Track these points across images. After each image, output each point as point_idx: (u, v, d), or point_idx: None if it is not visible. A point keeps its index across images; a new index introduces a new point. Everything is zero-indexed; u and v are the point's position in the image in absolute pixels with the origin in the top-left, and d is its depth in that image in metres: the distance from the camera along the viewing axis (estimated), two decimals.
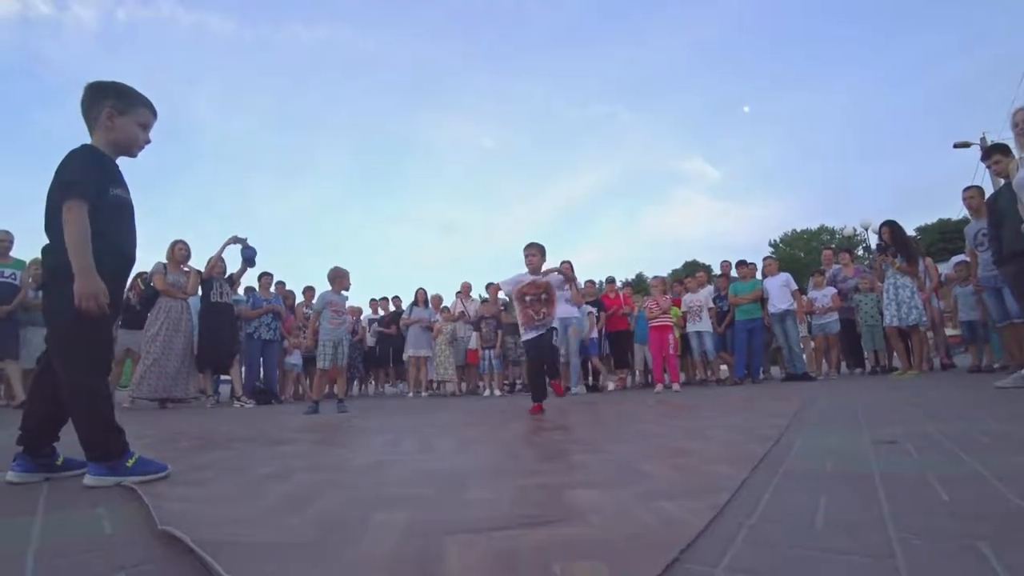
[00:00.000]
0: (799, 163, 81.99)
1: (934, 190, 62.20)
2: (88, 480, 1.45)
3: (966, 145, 13.43)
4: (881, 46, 73.55)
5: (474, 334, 7.89)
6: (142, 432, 2.82)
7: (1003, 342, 4.35)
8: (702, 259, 43.50)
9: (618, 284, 8.61)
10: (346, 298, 4.84)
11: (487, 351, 7.27)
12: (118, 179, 1.59)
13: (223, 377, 6.52)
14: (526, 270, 3.65)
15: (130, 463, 1.48)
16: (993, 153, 3.73)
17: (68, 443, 1.60)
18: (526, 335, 3.62)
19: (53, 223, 1.49)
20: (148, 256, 5.62)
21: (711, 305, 6.91)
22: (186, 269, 5.60)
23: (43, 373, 1.56)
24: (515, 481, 1.40)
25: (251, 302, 6.36)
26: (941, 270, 5.63)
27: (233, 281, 5.97)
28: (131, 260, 1.67)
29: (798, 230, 35.65)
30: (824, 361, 6.39)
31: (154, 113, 1.67)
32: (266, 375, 6.42)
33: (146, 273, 5.70)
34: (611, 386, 6.93)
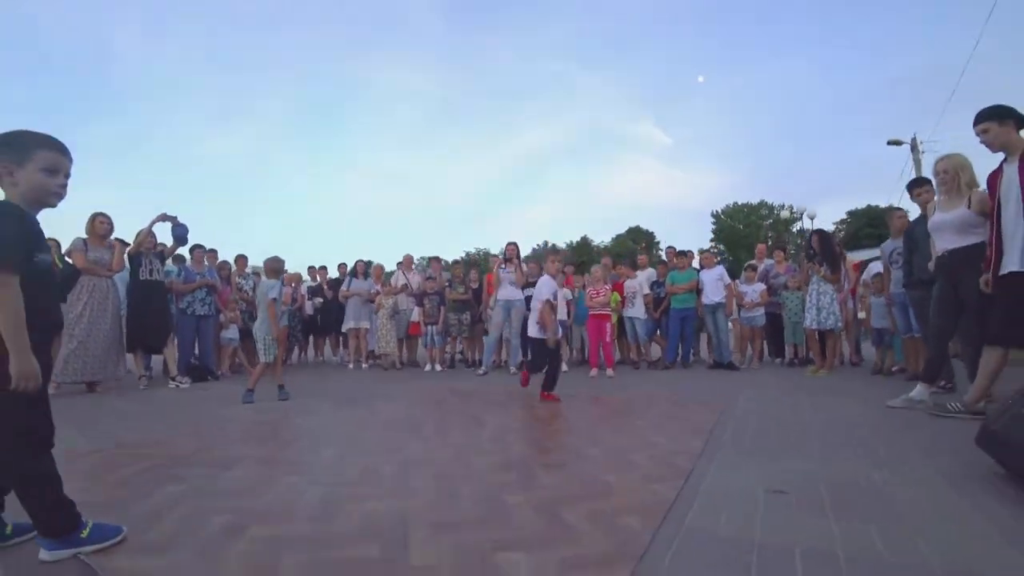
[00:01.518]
0: (746, 138, 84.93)
1: (866, 177, 67.07)
2: (44, 555, 1.43)
3: (898, 143, 14.40)
4: (840, 28, 75.94)
5: (416, 307, 7.82)
6: (76, 449, 2.63)
7: (904, 349, 4.85)
8: (646, 225, 44.95)
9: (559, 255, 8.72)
10: (283, 286, 4.66)
11: (429, 327, 7.27)
12: (42, 241, 1.48)
13: None
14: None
15: (84, 533, 1.46)
16: (921, 184, 4.07)
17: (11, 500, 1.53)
18: (537, 332, 4.22)
19: None
20: (67, 228, 5.12)
21: (646, 291, 7.17)
22: (109, 243, 5.18)
23: None
24: (440, 536, 1.48)
25: (183, 276, 5.97)
26: (866, 274, 6.13)
27: (164, 257, 5.65)
28: (59, 324, 1.62)
29: (740, 203, 37.46)
30: (749, 348, 6.88)
31: (61, 151, 1.49)
32: (201, 351, 6.16)
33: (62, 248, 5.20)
34: (564, 367, 7.06)
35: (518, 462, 2.31)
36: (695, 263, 7.24)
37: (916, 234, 3.98)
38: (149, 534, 1.57)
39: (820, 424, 2.97)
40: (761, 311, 6.65)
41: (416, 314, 7.80)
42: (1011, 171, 2.62)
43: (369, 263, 8.17)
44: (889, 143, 14.38)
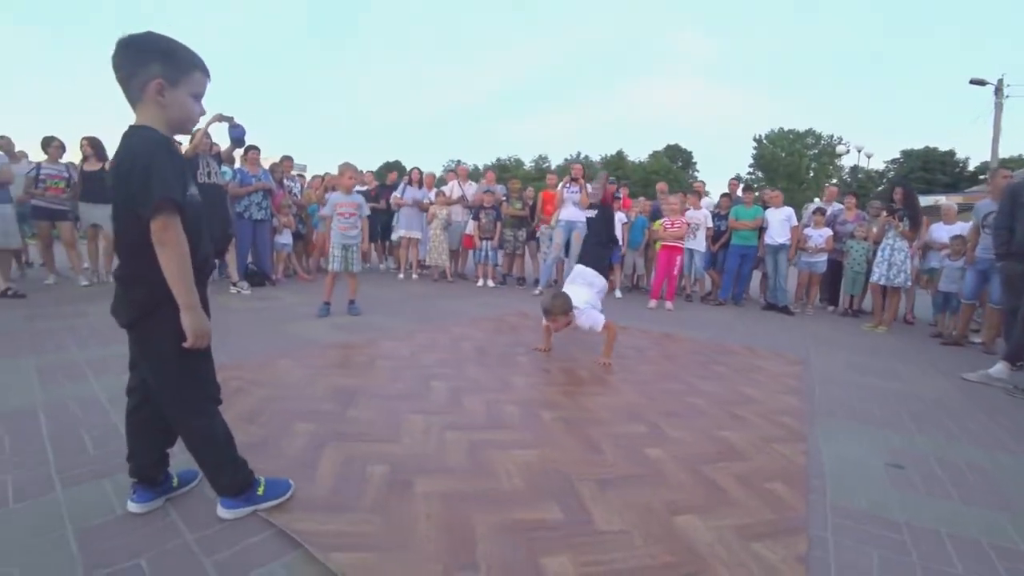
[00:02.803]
0: (799, 58, 77.27)
1: (928, 118, 61.82)
2: (223, 513, 1.46)
3: (982, 83, 13.19)
4: None
5: (471, 220, 7.93)
6: None
7: (987, 318, 4.91)
8: (685, 144, 43.03)
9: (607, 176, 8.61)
10: (357, 198, 4.69)
11: (485, 241, 7.43)
12: (189, 175, 1.40)
13: None
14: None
15: (260, 490, 1.50)
16: None
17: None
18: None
19: (130, 238, 1.29)
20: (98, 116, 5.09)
21: (709, 224, 7.18)
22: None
23: (137, 410, 1.46)
24: (609, 494, 1.77)
25: (239, 178, 5.96)
26: (934, 234, 6.04)
27: (222, 158, 5.58)
28: (211, 267, 1.58)
29: (785, 129, 35.22)
30: (805, 296, 7.05)
31: (208, 75, 1.39)
32: (258, 256, 6.35)
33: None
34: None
35: (635, 409, 2.60)
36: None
37: (1019, 202, 3.88)
38: (313, 488, 1.63)
39: (905, 394, 3.24)
40: (824, 257, 6.70)
41: (471, 227, 7.93)
42: None
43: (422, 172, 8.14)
44: (972, 82, 13.19)
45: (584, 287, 3.72)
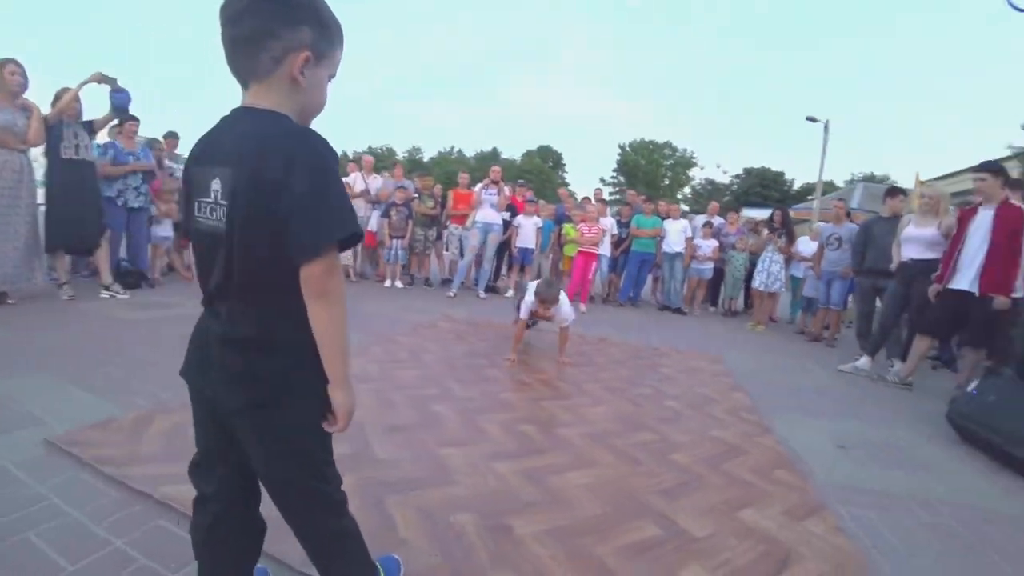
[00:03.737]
0: (670, 73, 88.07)
1: (768, 140, 75.38)
2: None
3: (815, 120, 16.49)
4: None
5: (374, 215, 7.65)
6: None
7: (820, 317, 6.27)
8: (556, 146, 46.13)
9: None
10: None
11: (395, 240, 7.24)
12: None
13: None
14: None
15: None
16: (896, 194, 5.14)
17: None
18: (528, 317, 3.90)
19: (268, 280, 0.95)
20: None
21: (614, 231, 7.91)
22: (21, 104, 4.04)
23: (218, 525, 1.09)
24: (677, 503, 2.02)
25: (112, 156, 4.94)
26: (800, 248, 7.46)
27: (94, 129, 4.56)
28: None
29: (646, 139, 39.86)
30: (692, 298, 8.12)
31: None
32: (134, 252, 5.38)
33: None
34: (509, 292, 7.60)
35: (631, 417, 2.89)
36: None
37: (874, 231, 5.10)
38: (419, 555, 1.52)
39: (812, 386, 4.04)
40: (711, 264, 7.80)
41: (374, 223, 7.66)
42: (986, 214, 3.64)
43: None
44: (808, 119, 16.40)
45: None
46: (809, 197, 20.21)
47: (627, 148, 39.98)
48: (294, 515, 1.08)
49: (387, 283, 7.30)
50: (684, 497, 2.01)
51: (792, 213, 15.53)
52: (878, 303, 5.06)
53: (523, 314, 3.82)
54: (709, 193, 36.16)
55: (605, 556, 1.59)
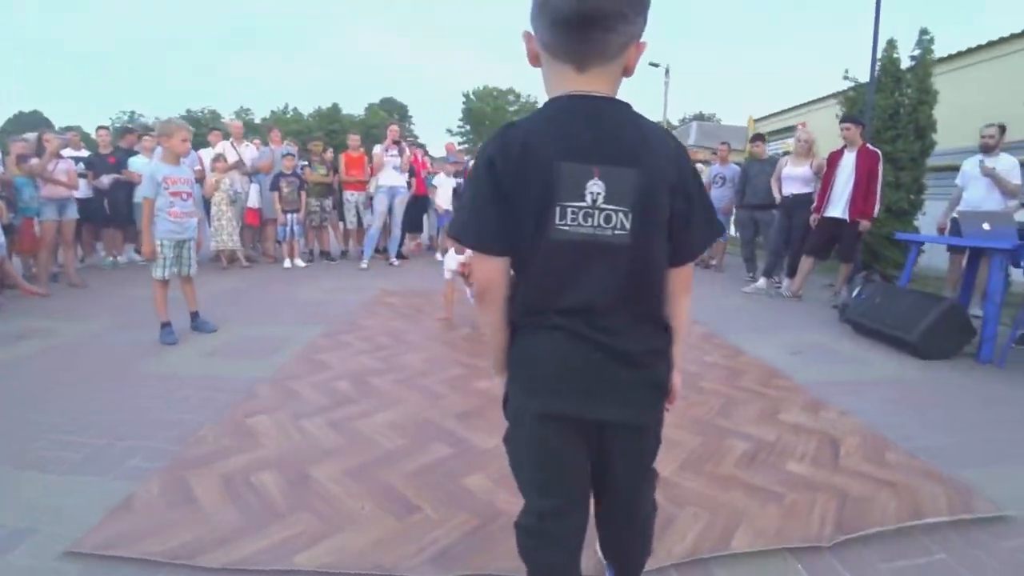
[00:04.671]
0: (509, 16, 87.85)
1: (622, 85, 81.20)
2: None
3: (656, 65, 18.11)
4: None
5: (253, 188, 6.88)
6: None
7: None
8: (400, 97, 44.16)
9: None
10: (187, 171, 3.69)
11: (289, 215, 6.63)
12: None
13: None
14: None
15: None
16: (758, 140, 6.10)
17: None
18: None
19: (660, 282, 0.95)
20: None
21: None
22: None
23: (577, 537, 1.03)
24: (719, 484, 2.46)
25: None
26: None
27: None
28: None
29: (490, 86, 40.03)
30: None
31: None
32: None
33: None
34: (440, 256, 7.49)
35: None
36: None
37: (750, 172, 6.09)
38: (194, 513, 1.58)
39: (734, 307, 4.85)
40: None
41: (254, 198, 6.89)
42: (850, 156, 4.64)
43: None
44: (650, 64, 17.95)
45: None
46: None
47: (471, 96, 39.83)
48: (638, 510, 1.10)
49: (286, 263, 6.71)
50: (736, 414, 2.46)
51: None
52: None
53: (447, 274, 3.95)
54: None
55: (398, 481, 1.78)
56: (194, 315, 3.79)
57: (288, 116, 40.88)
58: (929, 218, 6.00)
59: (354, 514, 1.59)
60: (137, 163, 6.29)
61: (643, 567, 1.20)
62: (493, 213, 0.88)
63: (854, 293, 4.17)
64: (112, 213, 6.42)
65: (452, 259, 3.87)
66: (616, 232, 0.87)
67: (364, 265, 6.68)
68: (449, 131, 41.91)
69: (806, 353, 3.46)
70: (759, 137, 6.28)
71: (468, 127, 40.38)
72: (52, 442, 2.09)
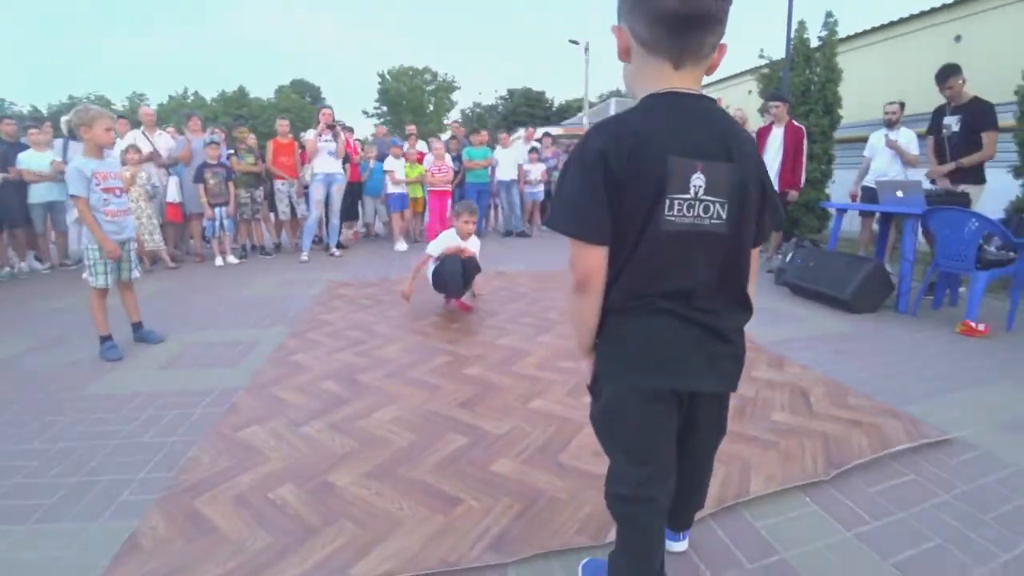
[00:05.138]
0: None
1: (527, 61, 79.68)
2: (683, 546, 1.45)
3: (576, 43, 18.26)
4: None
5: (172, 181, 6.29)
6: None
7: None
8: (312, 79, 41.63)
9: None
10: (117, 163, 3.33)
11: (217, 208, 6.14)
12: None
13: None
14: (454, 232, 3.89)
15: None
16: None
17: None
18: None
19: (749, 263, 1.07)
20: None
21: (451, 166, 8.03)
22: None
23: (660, 522, 1.15)
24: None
25: None
26: None
27: None
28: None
29: (405, 66, 38.57)
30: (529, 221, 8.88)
31: None
32: None
33: None
34: (400, 245, 7.19)
35: None
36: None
37: None
38: (221, 543, 1.45)
39: None
40: (541, 187, 8.59)
41: (174, 192, 6.31)
42: (778, 131, 4.99)
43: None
44: (570, 41, 18.08)
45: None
46: (580, 114, 22.74)
47: (387, 76, 38.18)
48: (707, 469, 1.26)
49: (218, 261, 6.23)
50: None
51: (563, 130, 17.59)
52: None
53: (435, 251, 3.82)
54: (477, 116, 37.48)
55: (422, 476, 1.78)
56: (137, 325, 3.45)
57: (189, 101, 37.27)
58: (839, 186, 6.62)
59: (394, 516, 1.57)
60: (30, 159, 5.55)
61: (694, 520, 1.41)
62: (601, 204, 0.93)
63: (787, 258, 4.55)
64: (2, 217, 5.63)
65: (442, 244, 3.82)
66: (713, 222, 0.95)
67: (304, 258, 6.36)
68: (365, 112, 40.02)
69: (756, 315, 3.74)
70: None
71: (385, 108, 38.84)
72: (10, 488, 1.83)
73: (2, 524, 1.63)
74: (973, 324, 3.37)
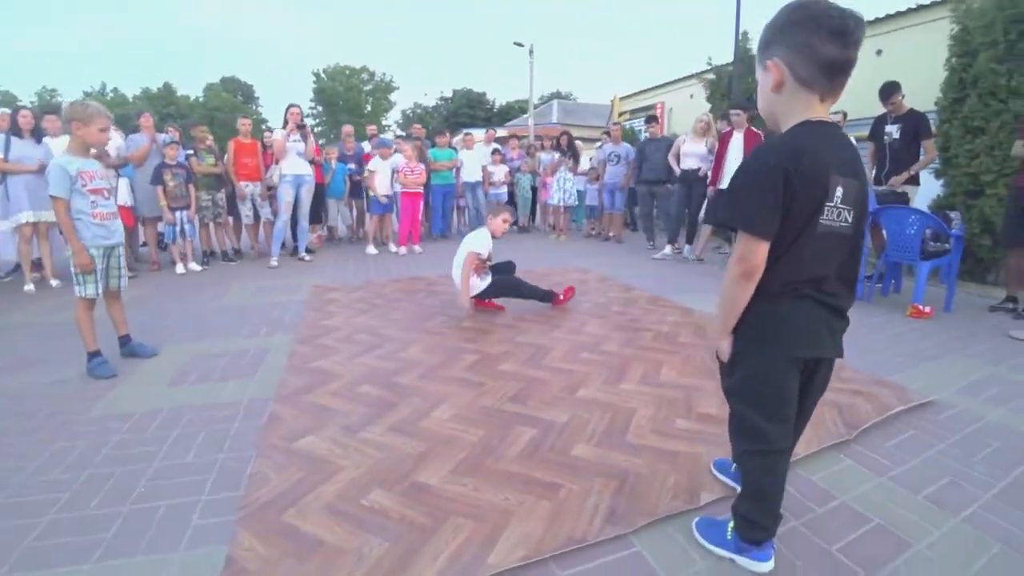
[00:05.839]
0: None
1: (468, 62, 78.96)
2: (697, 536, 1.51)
3: (521, 45, 18.40)
4: None
5: (123, 183, 5.83)
6: None
7: (604, 221, 7.93)
8: (244, 77, 39.53)
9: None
10: (100, 164, 3.06)
11: (178, 212, 5.76)
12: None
13: None
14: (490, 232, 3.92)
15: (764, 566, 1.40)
16: (652, 121, 6.68)
17: None
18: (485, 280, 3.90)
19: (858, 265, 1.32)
20: None
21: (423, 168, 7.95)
22: None
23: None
24: None
25: None
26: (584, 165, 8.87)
27: None
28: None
29: (342, 65, 37.37)
30: None
31: None
32: None
33: None
34: (370, 248, 7.01)
35: (610, 333, 3.56)
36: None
37: (646, 150, 6.69)
38: (338, 555, 1.43)
39: (656, 274, 5.38)
40: (505, 188, 8.66)
41: (124, 194, 5.85)
42: (739, 136, 5.35)
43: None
44: (515, 43, 18.21)
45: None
46: (525, 115, 22.94)
47: (322, 75, 36.79)
48: (808, 420, 1.42)
49: (179, 268, 5.83)
50: None
51: (507, 131, 17.76)
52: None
53: (484, 250, 3.78)
54: (418, 117, 36.92)
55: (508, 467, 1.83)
56: (125, 338, 3.21)
57: (108, 98, 34.15)
58: None
59: (503, 507, 1.61)
60: None
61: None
62: (777, 209, 1.15)
63: None
64: None
65: (483, 243, 3.79)
66: (843, 225, 1.21)
67: (274, 263, 6.09)
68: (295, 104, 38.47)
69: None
70: (652, 119, 6.91)
71: (320, 108, 37.45)
72: (47, 525, 1.64)
73: (62, 566, 1.47)
74: (921, 307, 3.82)
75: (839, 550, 1.48)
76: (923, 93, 5.42)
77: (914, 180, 4.57)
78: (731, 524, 1.42)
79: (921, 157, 4.50)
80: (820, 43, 1.11)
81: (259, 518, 1.61)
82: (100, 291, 2.94)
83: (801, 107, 1.19)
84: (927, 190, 5.43)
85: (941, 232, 4.03)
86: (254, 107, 37.69)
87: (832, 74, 1.14)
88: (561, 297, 4.07)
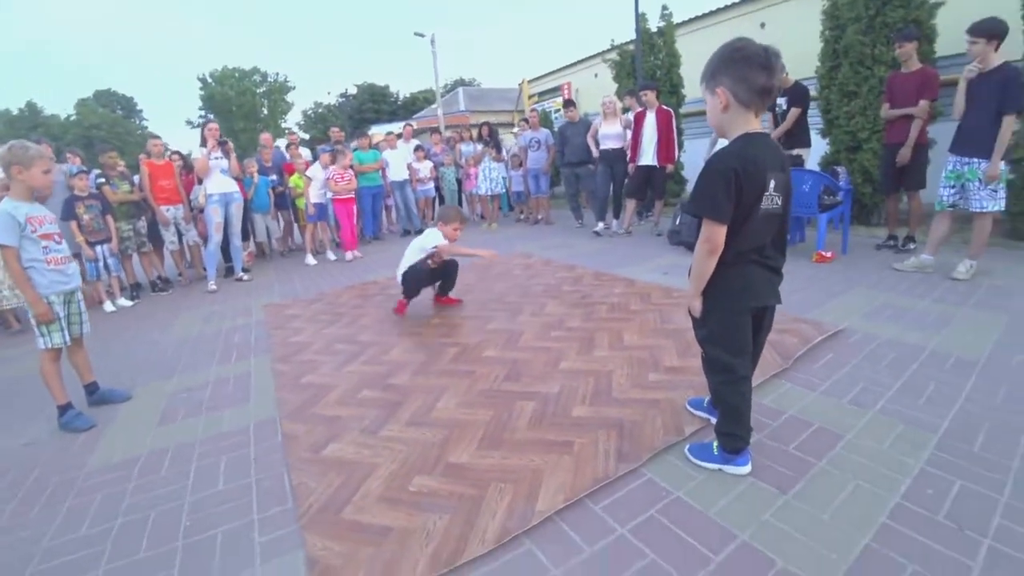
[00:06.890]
0: None
1: (378, 57, 75.16)
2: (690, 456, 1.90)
3: (422, 35, 18.13)
4: None
5: (64, 221, 5.35)
6: None
7: (532, 205, 8.28)
8: (122, 89, 35.80)
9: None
10: (44, 210, 2.90)
11: (100, 247, 5.38)
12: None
13: None
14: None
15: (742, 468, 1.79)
16: (569, 106, 7.04)
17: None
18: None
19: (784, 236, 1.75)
20: None
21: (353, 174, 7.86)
22: None
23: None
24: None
25: None
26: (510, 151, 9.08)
27: None
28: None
29: (230, 67, 34.62)
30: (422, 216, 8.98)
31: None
32: None
33: None
34: (309, 259, 6.87)
35: (553, 322, 3.90)
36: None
37: (567, 133, 7.06)
38: (407, 537, 1.58)
39: (592, 250, 5.79)
40: (432, 184, 8.74)
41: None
42: (651, 116, 5.85)
43: None
44: (415, 34, 17.89)
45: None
46: (433, 106, 22.61)
47: (209, 80, 33.89)
48: (760, 353, 1.85)
49: (107, 306, 5.48)
50: (674, 319, 3.24)
51: (417, 124, 17.57)
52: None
53: (419, 260, 3.96)
54: (321, 116, 35.25)
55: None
56: (92, 386, 3.10)
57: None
58: (689, 155, 7.84)
59: (532, 467, 1.89)
60: None
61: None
62: (731, 200, 1.52)
63: (677, 220, 5.45)
64: None
65: (435, 237, 3.94)
66: (775, 207, 1.61)
67: (213, 287, 5.86)
68: (190, 123, 35.48)
69: (671, 272, 4.52)
70: (570, 103, 7.27)
71: (212, 115, 34.66)
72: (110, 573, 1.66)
73: None
74: (823, 253, 4.50)
75: (795, 448, 1.93)
76: (805, 62, 6.16)
77: (805, 142, 5.24)
78: (715, 443, 1.82)
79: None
80: (754, 75, 1.50)
81: (321, 521, 1.75)
82: (65, 340, 2.83)
83: (742, 121, 1.58)
84: (815, 148, 6.25)
85: (832, 187, 4.73)
86: (137, 121, 34.17)
87: (763, 96, 1.54)
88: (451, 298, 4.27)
